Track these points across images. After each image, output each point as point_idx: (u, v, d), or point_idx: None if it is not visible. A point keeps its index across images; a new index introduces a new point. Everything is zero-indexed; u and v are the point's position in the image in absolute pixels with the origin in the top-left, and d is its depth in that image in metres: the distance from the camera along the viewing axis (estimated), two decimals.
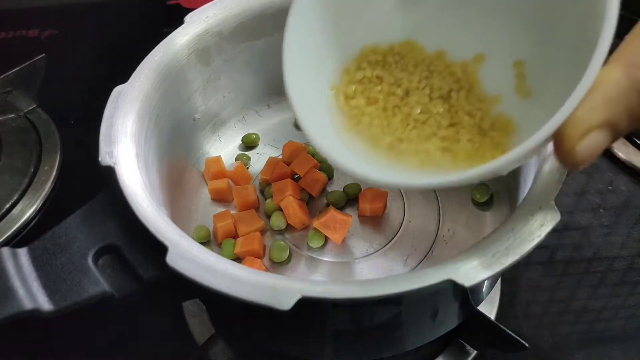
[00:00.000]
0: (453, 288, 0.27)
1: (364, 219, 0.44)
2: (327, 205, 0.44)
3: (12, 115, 0.59)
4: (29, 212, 0.52)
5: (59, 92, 0.63)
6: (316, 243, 0.41)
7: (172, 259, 0.28)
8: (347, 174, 0.29)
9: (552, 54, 0.31)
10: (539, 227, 0.29)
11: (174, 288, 0.32)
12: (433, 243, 0.42)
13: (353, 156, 0.32)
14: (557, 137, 0.21)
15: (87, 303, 0.30)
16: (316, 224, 0.41)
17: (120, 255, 0.32)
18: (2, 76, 0.59)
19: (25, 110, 0.60)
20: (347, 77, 0.35)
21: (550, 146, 0.27)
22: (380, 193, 0.43)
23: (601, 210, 0.51)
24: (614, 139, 0.22)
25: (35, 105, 0.60)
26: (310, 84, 0.34)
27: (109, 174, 0.33)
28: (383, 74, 0.35)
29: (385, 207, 0.43)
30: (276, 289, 0.27)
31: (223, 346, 0.41)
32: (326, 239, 0.42)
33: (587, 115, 0.20)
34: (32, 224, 0.52)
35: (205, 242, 0.43)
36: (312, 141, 0.31)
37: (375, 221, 0.43)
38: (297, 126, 0.51)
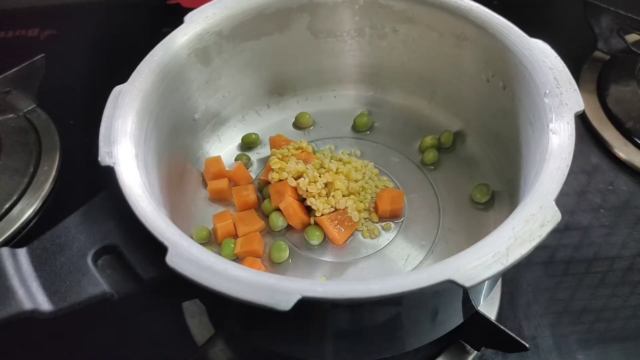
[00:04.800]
0: (453, 288, 0.27)
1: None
2: None
3: (12, 115, 0.59)
4: (29, 212, 0.52)
5: (59, 92, 0.63)
6: (315, 239, 0.41)
7: (171, 259, 0.28)
8: None
9: None
10: (539, 227, 0.29)
11: (174, 288, 0.32)
12: (433, 243, 0.42)
13: None
14: None
15: (86, 303, 0.30)
16: (320, 218, 0.41)
17: (120, 255, 0.31)
18: (1, 76, 0.58)
19: (25, 110, 0.59)
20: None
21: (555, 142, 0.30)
22: (399, 193, 0.44)
23: (602, 211, 0.51)
24: None
25: (34, 105, 0.60)
26: None
27: (109, 174, 0.33)
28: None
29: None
30: (276, 289, 0.27)
31: (223, 346, 0.41)
32: (324, 236, 0.42)
33: None
34: (32, 224, 0.52)
35: (205, 242, 0.43)
36: None
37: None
38: (296, 126, 0.51)
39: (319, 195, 0.42)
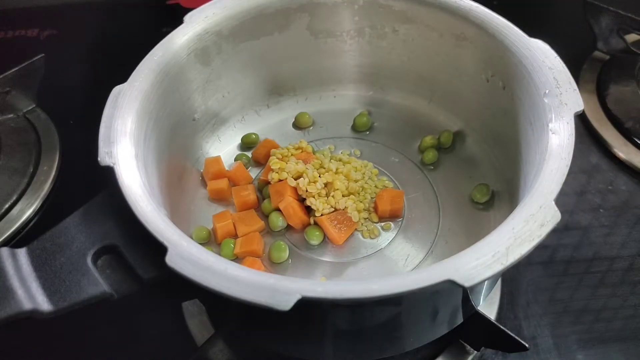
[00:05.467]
0: (453, 288, 0.27)
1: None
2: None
3: (11, 116, 0.59)
4: (28, 212, 0.52)
5: (58, 92, 0.63)
6: (315, 239, 0.41)
7: (171, 259, 0.28)
8: None
9: None
10: (539, 227, 0.29)
11: (174, 288, 0.32)
12: (433, 243, 0.42)
13: None
14: None
15: (86, 303, 0.30)
16: (320, 218, 0.41)
17: (120, 255, 0.31)
18: (1, 76, 0.58)
19: (25, 110, 0.59)
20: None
21: (555, 142, 0.32)
22: (399, 193, 0.44)
23: (601, 210, 0.51)
24: None
25: (34, 105, 0.60)
26: None
27: (109, 174, 0.33)
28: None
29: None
30: (276, 289, 0.27)
31: (223, 346, 0.41)
32: (324, 236, 0.42)
33: None
34: (31, 224, 0.52)
35: (205, 242, 0.43)
36: None
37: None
38: (296, 126, 0.51)
39: (319, 195, 0.42)
